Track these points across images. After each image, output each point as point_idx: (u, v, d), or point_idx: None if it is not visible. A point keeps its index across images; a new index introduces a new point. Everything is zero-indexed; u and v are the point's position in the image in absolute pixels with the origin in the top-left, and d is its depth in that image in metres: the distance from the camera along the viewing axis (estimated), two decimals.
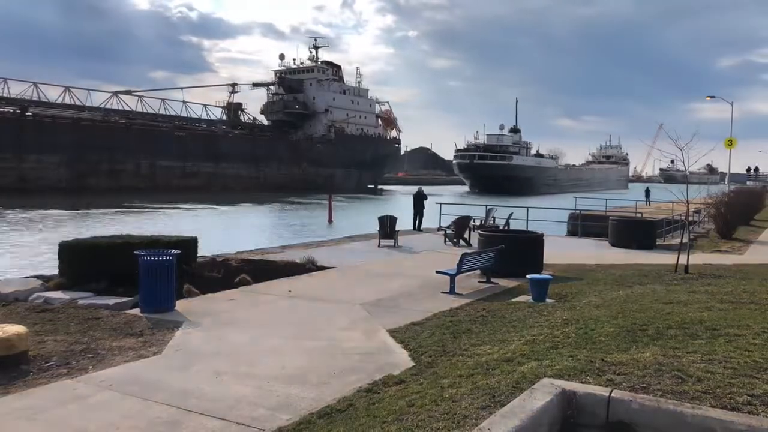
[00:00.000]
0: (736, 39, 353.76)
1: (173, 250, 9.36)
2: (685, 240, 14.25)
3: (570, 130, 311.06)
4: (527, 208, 23.77)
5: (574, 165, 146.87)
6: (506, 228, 20.65)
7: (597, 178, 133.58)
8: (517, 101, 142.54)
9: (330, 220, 38.84)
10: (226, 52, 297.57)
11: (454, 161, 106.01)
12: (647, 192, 45.42)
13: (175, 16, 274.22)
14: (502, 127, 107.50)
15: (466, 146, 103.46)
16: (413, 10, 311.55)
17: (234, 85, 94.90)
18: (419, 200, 23.20)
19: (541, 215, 24.77)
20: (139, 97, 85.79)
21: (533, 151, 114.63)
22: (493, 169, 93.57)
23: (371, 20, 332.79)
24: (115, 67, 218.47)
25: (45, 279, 11.08)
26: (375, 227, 19.41)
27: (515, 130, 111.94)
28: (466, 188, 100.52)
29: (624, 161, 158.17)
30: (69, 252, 10.82)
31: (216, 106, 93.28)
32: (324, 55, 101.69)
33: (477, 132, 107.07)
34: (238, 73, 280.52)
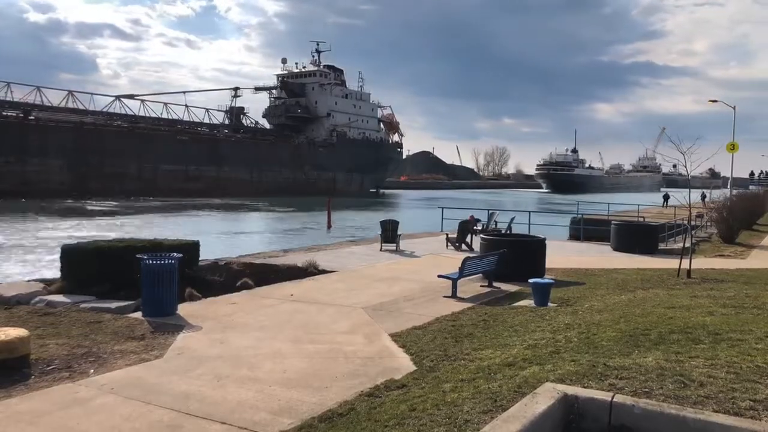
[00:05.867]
0: (575, 41, 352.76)
1: (175, 254, 9.36)
2: (687, 244, 14.24)
3: (495, 131, 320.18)
4: (529, 212, 23.78)
5: (620, 171, 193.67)
6: (508, 232, 20.62)
7: (633, 183, 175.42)
8: (576, 132, 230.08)
9: (329, 225, 38.72)
10: (116, 53, 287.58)
11: (536, 171, 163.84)
12: (666, 197, 45.56)
13: (18, 16, 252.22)
14: (567, 150, 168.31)
15: (543, 162, 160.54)
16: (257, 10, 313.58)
17: (236, 89, 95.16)
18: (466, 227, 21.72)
19: (543, 220, 24.75)
20: (142, 101, 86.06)
21: (587, 165, 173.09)
22: (562, 177, 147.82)
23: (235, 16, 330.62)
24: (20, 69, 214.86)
25: (47, 282, 11.09)
26: (375, 232, 19.40)
27: (574, 151, 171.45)
28: (543, 189, 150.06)
29: (657, 170, 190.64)
30: (71, 255, 10.84)
31: (219, 110, 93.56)
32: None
33: (550, 153, 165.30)
34: (131, 73, 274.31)
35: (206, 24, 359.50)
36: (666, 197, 43.54)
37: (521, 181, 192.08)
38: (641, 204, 37.17)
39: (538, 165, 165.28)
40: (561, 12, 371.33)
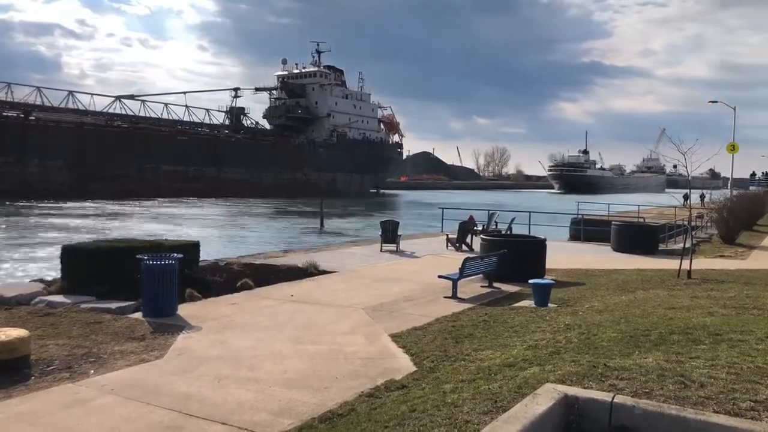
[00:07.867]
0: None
1: (175, 254, 9.36)
2: (688, 245, 14.24)
3: (472, 131, 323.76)
4: (530, 212, 23.77)
5: (624, 173, 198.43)
6: (509, 233, 20.61)
7: (640, 183, 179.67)
8: (587, 133, 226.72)
9: (321, 226, 38.71)
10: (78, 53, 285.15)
11: (549, 171, 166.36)
12: (686, 196, 45.47)
13: None
14: (579, 151, 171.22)
15: (555, 163, 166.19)
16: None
17: (237, 89, 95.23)
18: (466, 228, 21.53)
19: (543, 220, 24.73)
20: (142, 101, 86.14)
21: (598, 166, 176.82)
22: (575, 178, 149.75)
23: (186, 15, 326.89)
24: None
25: (47, 283, 11.09)
26: (372, 233, 19.38)
27: (585, 152, 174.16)
28: (554, 190, 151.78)
29: (661, 171, 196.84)
30: (71, 256, 10.84)
31: (219, 111, 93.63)
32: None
33: (563, 154, 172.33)
34: (111, 74, 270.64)
35: (158, 23, 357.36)
36: (686, 197, 43.53)
37: (521, 181, 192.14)
38: (670, 205, 36.81)
39: (550, 166, 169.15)
40: (502, 12, 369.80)
